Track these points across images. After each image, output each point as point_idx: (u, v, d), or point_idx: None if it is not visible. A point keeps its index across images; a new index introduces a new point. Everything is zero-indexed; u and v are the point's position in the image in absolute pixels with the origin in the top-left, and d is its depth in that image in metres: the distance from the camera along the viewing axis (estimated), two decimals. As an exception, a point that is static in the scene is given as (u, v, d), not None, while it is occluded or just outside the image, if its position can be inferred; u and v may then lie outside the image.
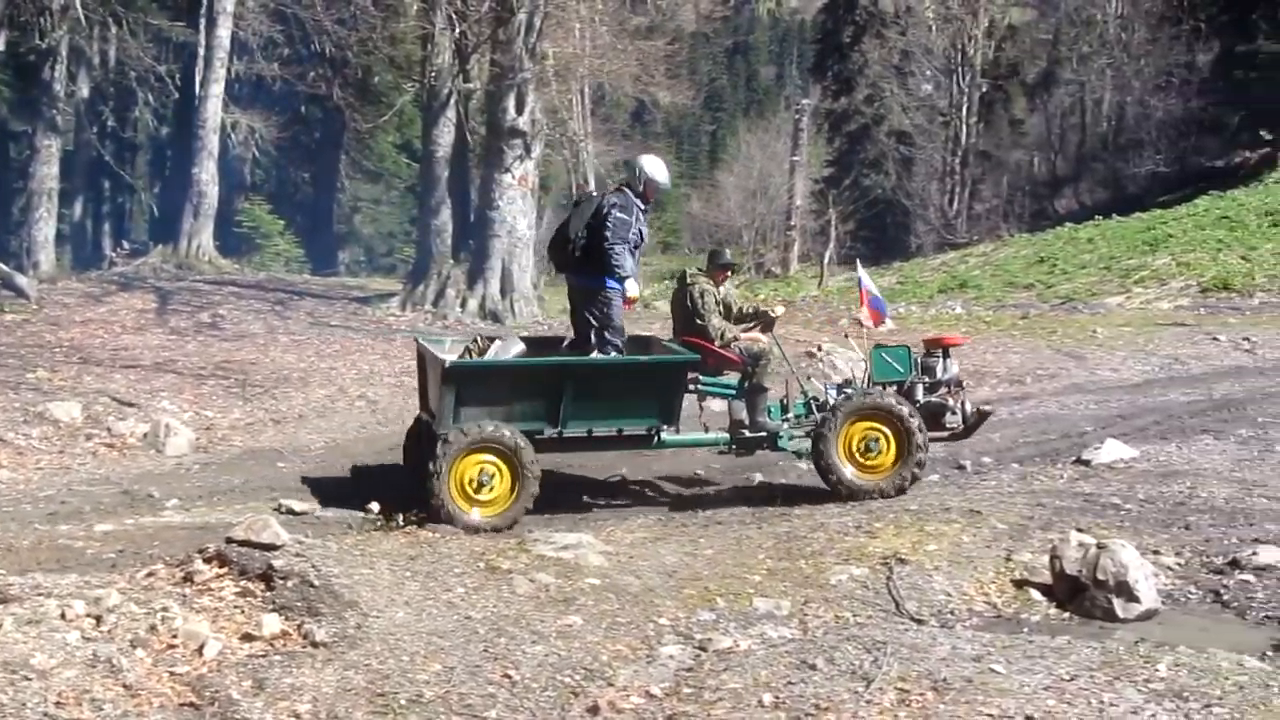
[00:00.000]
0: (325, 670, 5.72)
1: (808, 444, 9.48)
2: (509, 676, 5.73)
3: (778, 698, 5.36)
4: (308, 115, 37.91)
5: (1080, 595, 7.07)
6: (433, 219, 23.67)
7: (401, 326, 20.29)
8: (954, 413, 9.88)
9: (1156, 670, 5.68)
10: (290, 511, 8.87)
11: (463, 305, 22.04)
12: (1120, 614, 6.90)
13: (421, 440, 9.48)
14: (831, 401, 9.53)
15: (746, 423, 9.64)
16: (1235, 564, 7.60)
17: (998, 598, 7.28)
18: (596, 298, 9.53)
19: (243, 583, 6.67)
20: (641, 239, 9.68)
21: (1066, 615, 7.01)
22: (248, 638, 6.10)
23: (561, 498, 9.29)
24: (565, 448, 9.42)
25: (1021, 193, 43.84)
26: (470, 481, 8.62)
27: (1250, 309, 20.72)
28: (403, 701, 5.48)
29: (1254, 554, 7.65)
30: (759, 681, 5.52)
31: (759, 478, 10.23)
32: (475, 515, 8.56)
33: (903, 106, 45.96)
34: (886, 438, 9.19)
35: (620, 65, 26.03)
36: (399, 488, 9.28)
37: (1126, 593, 6.93)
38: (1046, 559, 7.43)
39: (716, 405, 10.32)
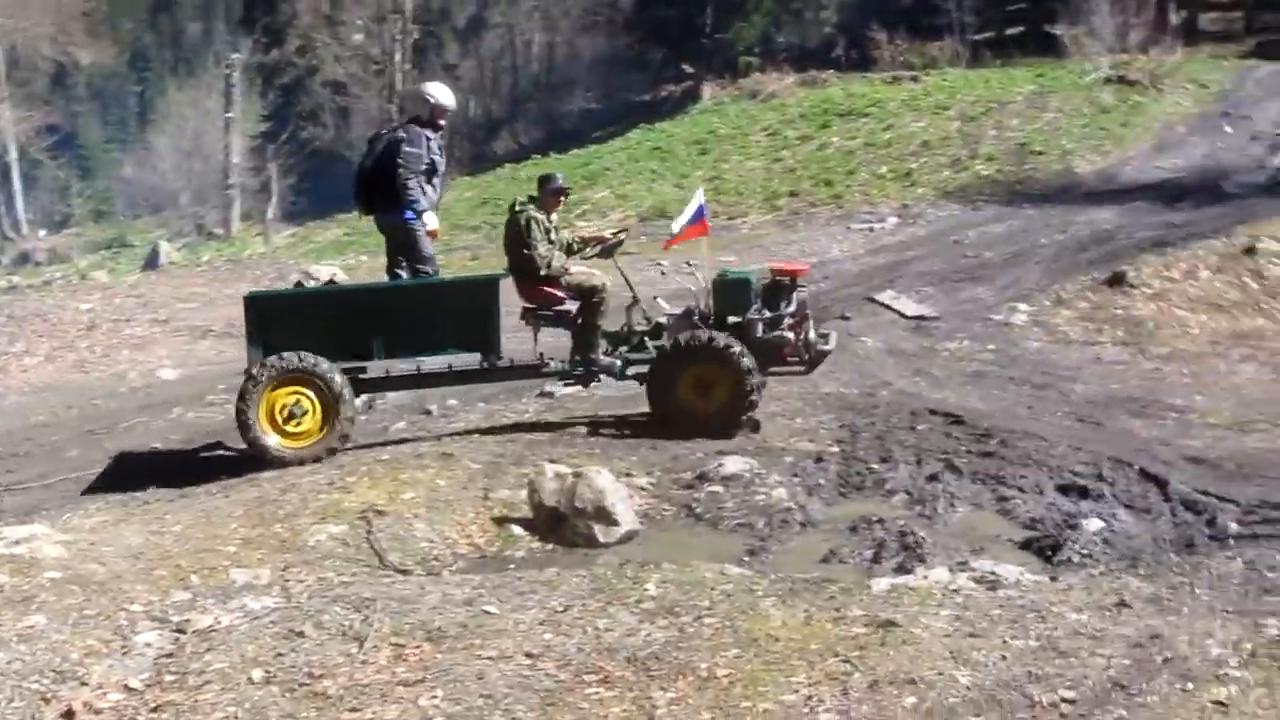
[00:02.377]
0: None
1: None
2: (-32, 696, 5.28)
3: (268, 671, 5.30)
4: None
5: (562, 525, 7.52)
6: None
7: None
8: (796, 348, 9.94)
9: (646, 590, 6.10)
10: None
11: None
12: (602, 539, 7.42)
13: None
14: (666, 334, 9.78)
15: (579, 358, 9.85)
16: (703, 477, 8.42)
17: (481, 538, 7.59)
18: (399, 233, 10.15)
19: None
20: (436, 168, 10.17)
21: (550, 547, 7.46)
22: None
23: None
24: (400, 385, 9.90)
25: (460, 136, 45.75)
26: (281, 413, 8.95)
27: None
28: None
29: (720, 466, 8.52)
30: (246, 657, 5.43)
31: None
32: (285, 448, 8.94)
33: (336, 57, 46.73)
34: (719, 378, 9.39)
35: (33, 24, 23.94)
36: None
37: (606, 517, 7.46)
38: (524, 493, 7.83)
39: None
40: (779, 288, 9.92)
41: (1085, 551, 6.88)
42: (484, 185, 31.56)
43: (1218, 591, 5.87)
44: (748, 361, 9.30)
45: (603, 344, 9.98)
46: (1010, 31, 41.93)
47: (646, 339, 10.08)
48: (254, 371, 8.98)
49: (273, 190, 34.69)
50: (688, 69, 38.31)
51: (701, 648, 5.36)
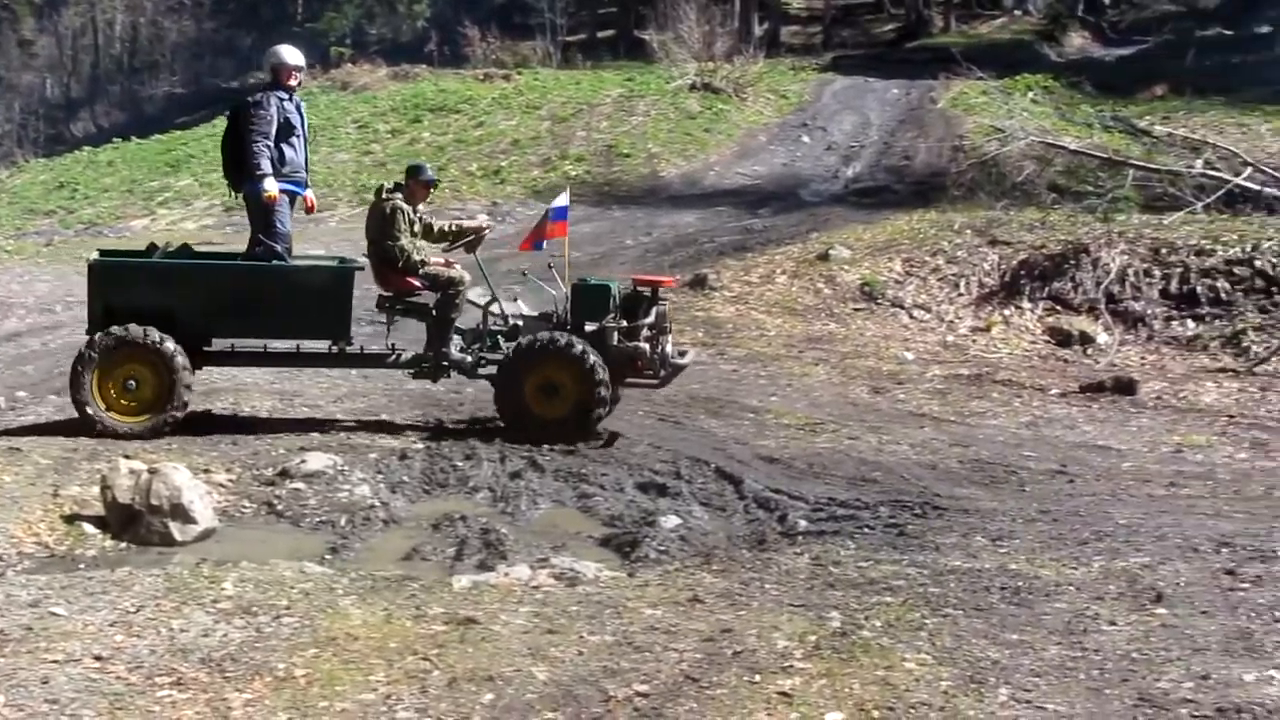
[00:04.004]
0: None
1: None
2: None
3: None
4: None
5: (136, 523, 7.42)
6: None
7: None
8: (650, 361, 9.84)
9: (223, 589, 6.14)
10: None
11: None
12: (179, 537, 7.38)
13: None
14: (521, 335, 9.74)
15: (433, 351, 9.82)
16: (285, 474, 8.51)
17: (49, 536, 7.39)
18: (248, 203, 9.94)
19: None
20: (293, 127, 9.92)
21: (124, 545, 7.36)
22: None
23: None
24: (246, 362, 10.16)
25: (35, 116, 43.23)
26: (115, 387, 9.19)
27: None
28: None
29: (303, 462, 8.63)
30: None
31: None
32: (120, 423, 9.19)
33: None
34: (566, 383, 9.49)
35: None
36: None
37: (183, 515, 7.41)
38: (97, 490, 7.69)
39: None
40: (639, 298, 10.12)
41: (662, 548, 7.29)
42: (60, 169, 30.47)
43: (786, 586, 6.35)
44: (596, 367, 9.51)
45: (458, 340, 10.09)
46: (601, 35, 43.69)
47: (502, 339, 10.15)
48: (93, 341, 9.21)
49: None
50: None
51: (279, 648, 5.42)
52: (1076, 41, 42.73)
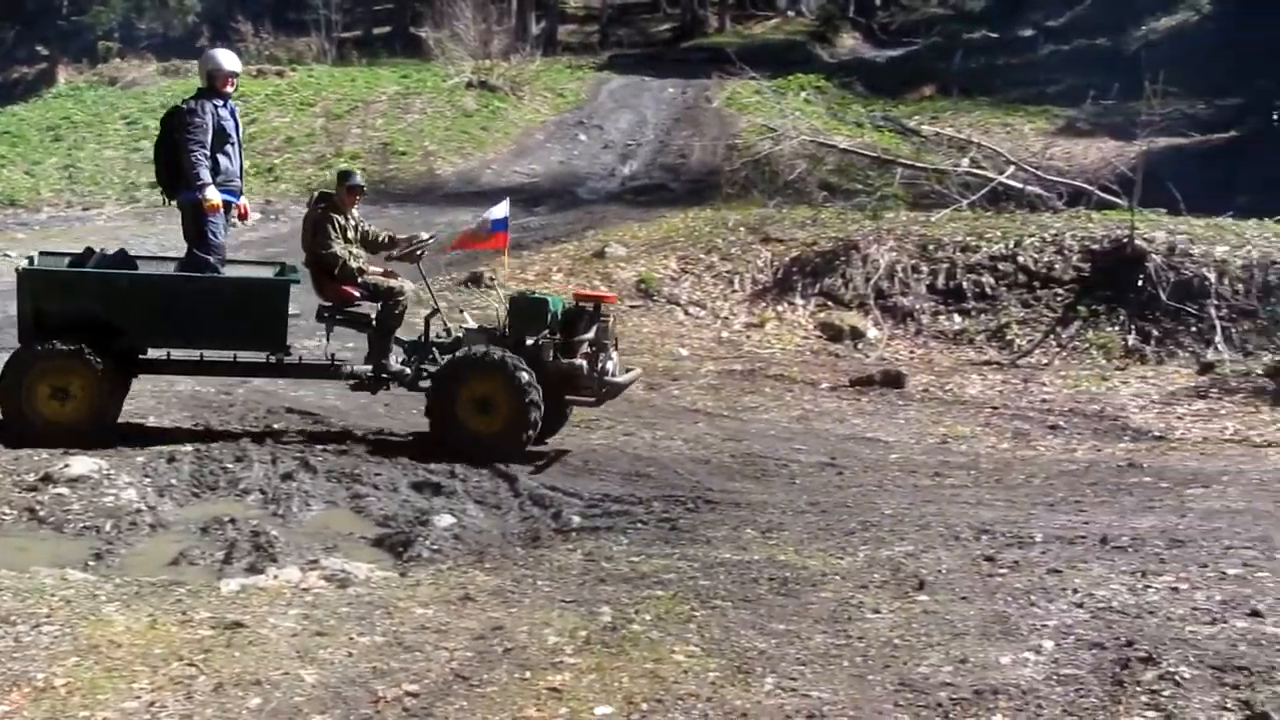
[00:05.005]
0: None
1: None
2: None
3: None
4: None
5: None
6: None
7: None
8: (588, 378, 9.49)
9: None
10: None
11: None
12: None
13: None
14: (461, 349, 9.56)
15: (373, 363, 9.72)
16: (48, 478, 8.17)
17: None
18: (184, 212, 9.70)
19: None
20: (228, 135, 9.71)
21: None
22: None
23: None
24: (181, 370, 9.99)
25: None
26: (48, 395, 9.11)
27: (39, 223, 22.60)
28: None
29: (66, 466, 8.30)
30: None
31: None
32: (49, 424, 9.10)
33: None
34: (499, 398, 9.25)
35: None
36: None
37: None
38: None
39: None
40: (580, 313, 9.88)
41: (435, 547, 7.28)
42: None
43: (558, 582, 6.41)
44: (529, 383, 9.26)
45: (398, 351, 9.83)
46: (377, 32, 43.23)
47: (441, 351, 9.90)
48: (22, 354, 9.19)
49: None
50: (42, 50, 37.25)
51: (39, 657, 5.26)
52: (848, 43, 43.95)
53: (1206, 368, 13.75)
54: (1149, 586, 6.03)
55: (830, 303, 15.94)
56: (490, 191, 23.14)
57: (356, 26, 44.11)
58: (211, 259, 9.67)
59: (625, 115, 30.98)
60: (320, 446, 9.34)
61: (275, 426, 9.96)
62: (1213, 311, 14.62)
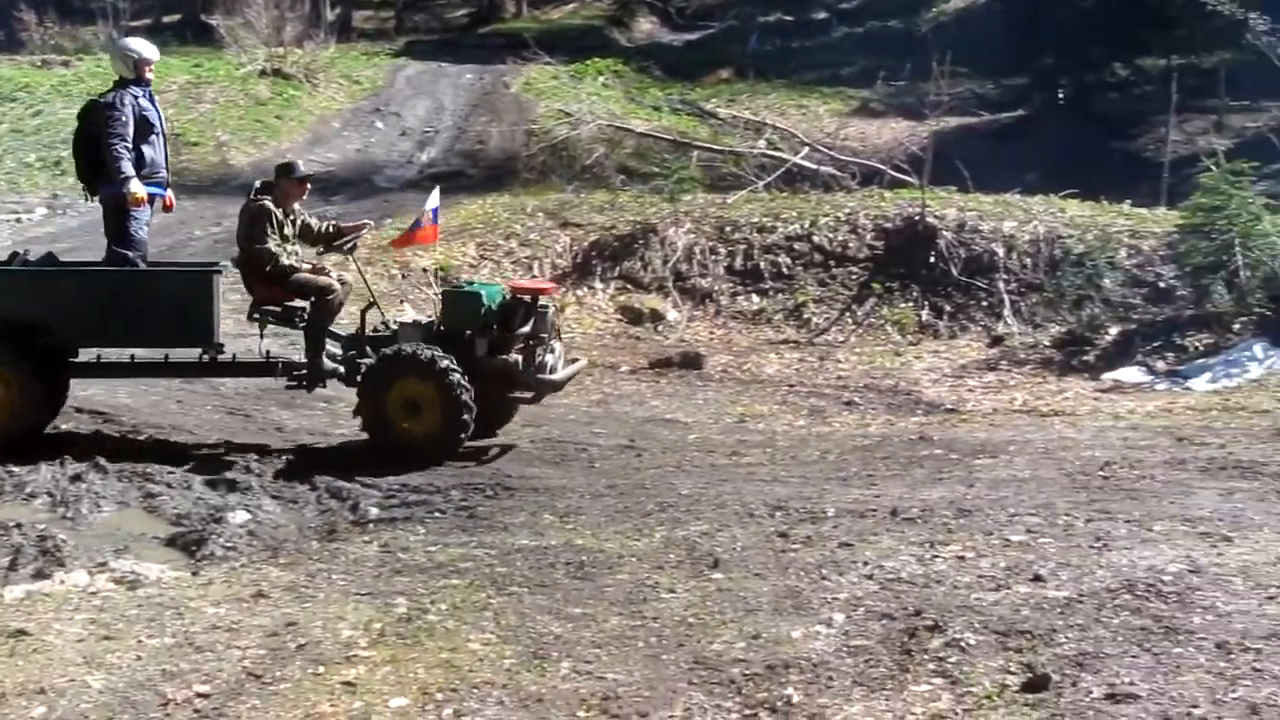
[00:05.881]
0: None
1: None
2: None
3: None
4: None
5: None
6: None
7: None
8: (523, 373, 9.14)
9: None
10: None
11: None
12: None
13: None
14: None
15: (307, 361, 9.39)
16: None
17: None
18: (105, 207, 9.41)
19: None
20: (151, 125, 9.42)
21: None
22: None
23: None
24: (113, 373, 9.84)
25: None
26: None
27: None
28: None
29: None
30: None
31: None
32: None
33: None
34: (428, 397, 8.85)
35: None
36: None
37: None
38: None
39: None
40: (516, 306, 9.47)
41: (230, 544, 7.16)
42: None
43: (353, 575, 6.37)
44: (459, 382, 8.84)
45: (332, 347, 9.44)
46: (167, 19, 41.98)
47: (378, 346, 9.41)
48: None
49: None
50: None
51: None
52: (645, 27, 44.17)
53: (996, 341, 14.23)
54: (937, 556, 6.20)
55: (630, 286, 16.04)
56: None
57: (145, 15, 42.67)
58: (131, 254, 9.36)
59: (423, 102, 30.70)
60: (111, 445, 9.11)
61: (63, 427, 9.66)
62: (1002, 286, 15.10)
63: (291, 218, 9.70)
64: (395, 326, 9.78)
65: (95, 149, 9.37)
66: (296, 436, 9.79)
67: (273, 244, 9.39)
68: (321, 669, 5.10)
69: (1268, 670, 4.50)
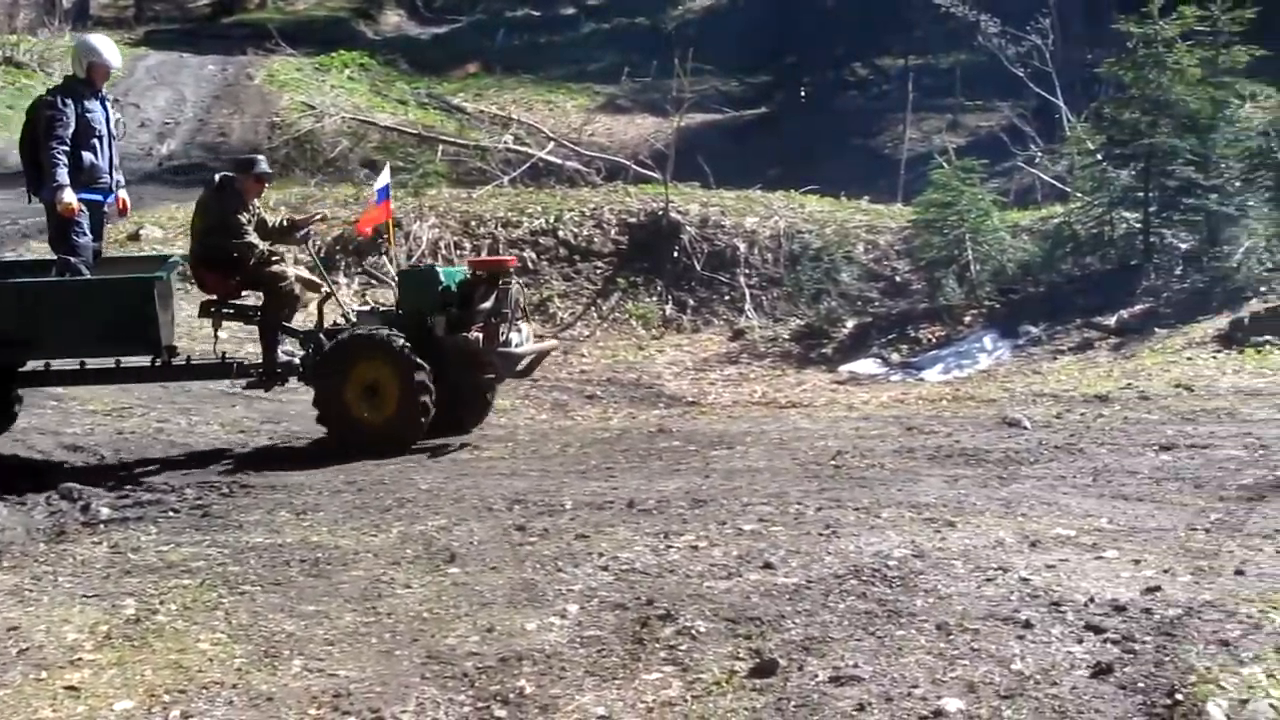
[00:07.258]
0: None
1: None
2: None
3: None
4: None
5: None
6: None
7: None
8: (485, 352, 8.92)
9: None
10: None
11: None
12: None
13: None
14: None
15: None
16: None
17: None
18: (47, 211, 9.05)
19: None
20: (94, 129, 9.03)
21: None
22: None
23: None
24: (64, 381, 9.56)
25: None
26: None
27: None
28: None
29: None
30: None
31: None
32: None
33: None
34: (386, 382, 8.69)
35: None
36: None
37: None
38: None
39: None
40: (476, 283, 9.21)
41: None
42: None
43: (81, 577, 6.22)
44: (415, 363, 8.53)
45: (287, 342, 9.03)
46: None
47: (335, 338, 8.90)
48: None
49: None
50: None
51: None
52: (392, 20, 43.74)
53: (738, 334, 14.59)
54: (670, 546, 6.31)
55: (374, 281, 15.87)
56: (13, 174, 21.75)
57: None
58: (73, 260, 8.94)
59: (163, 93, 29.80)
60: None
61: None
62: (743, 280, 15.49)
63: (255, 212, 9.64)
64: (354, 318, 9.66)
65: (38, 149, 9.06)
66: (26, 437, 9.49)
67: (253, 238, 9.34)
68: (44, 674, 4.98)
69: (985, 650, 4.67)
